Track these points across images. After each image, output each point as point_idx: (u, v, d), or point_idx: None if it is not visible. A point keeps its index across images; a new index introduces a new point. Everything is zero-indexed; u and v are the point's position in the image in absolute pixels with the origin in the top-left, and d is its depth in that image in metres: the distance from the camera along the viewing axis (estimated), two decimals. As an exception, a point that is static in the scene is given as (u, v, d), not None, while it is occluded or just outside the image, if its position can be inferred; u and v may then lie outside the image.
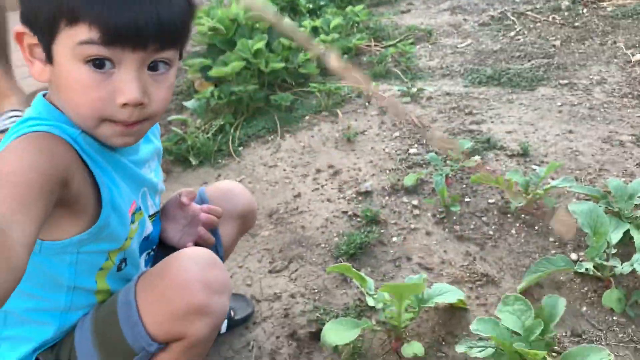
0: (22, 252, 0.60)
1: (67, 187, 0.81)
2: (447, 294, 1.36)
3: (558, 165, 1.76)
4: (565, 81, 2.72)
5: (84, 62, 0.80)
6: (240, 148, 2.66)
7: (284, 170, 2.38)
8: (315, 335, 1.45)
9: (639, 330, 1.32)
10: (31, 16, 0.83)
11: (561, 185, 1.65)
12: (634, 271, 1.33)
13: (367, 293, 1.37)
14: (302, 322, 1.53)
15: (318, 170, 2.32)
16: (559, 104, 2.50)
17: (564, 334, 1.34)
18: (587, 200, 1.66)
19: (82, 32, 0.78)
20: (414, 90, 2.84)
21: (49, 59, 0.83)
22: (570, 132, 2.25)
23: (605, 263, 1.37)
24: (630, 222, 1.51)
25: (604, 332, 1.33)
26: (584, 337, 1.32)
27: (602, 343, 1.29)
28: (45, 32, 0.81)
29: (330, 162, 2.36)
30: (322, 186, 2.19)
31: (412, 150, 2.33)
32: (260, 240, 1.93)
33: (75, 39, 0.79)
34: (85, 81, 0.81)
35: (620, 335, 1.31)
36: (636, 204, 1.56)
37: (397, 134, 2.51)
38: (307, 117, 2.84)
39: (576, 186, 1.64)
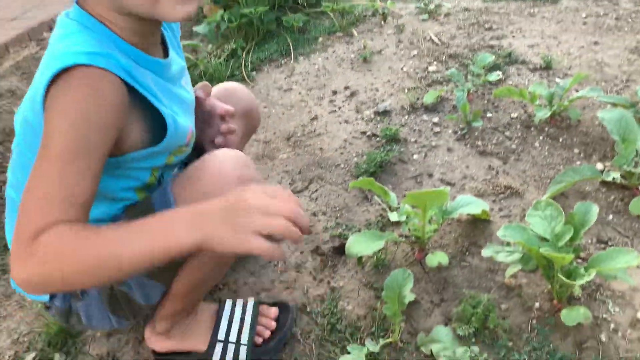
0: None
1: (124, 127, 0.83)
2: (470, 205, 1.36)
3: (584, 77, 1.71)
4: (590, -8, 2.60)
5: None
6: (254, 73, 2.60)
7: (299, 93, 2.34)
8: (338, 250, 1.47)
9: (668, 234, 1.31)
10: None
11: (588, 95, 1.60)
12: (663, 178, 1.31)
13: (390, 207, 1.37)
14: (325, 237, 1.54)
15: (334, 92, 2.27)
16: (584, 15, 2.40)
17: (589, 241, 1.34)
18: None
19: None
20: (432, 6, 2.73)
21: None
22: (596, 43, 2.16)
23: (633, 170, 1.34)
24: (659, 130, 1.47)
25: (631, 238, 1.33)
26: (610, 243, 1.32)
27: (628, 247, 1.29)
28: None
29: (347, 83, 2.31)
30: (339, 108, 2.16)
31: (431, 68, 2.27)
32: (279, 162, 1.92)
33: None
34: None
35: (646, 239, 1.31)
36: (666, 111, 1.52)
37: (415, 52, 2.44)
38: (320, 39, 2.76)
39: (603, 96, 1.59)
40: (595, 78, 1.94)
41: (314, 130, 2.05)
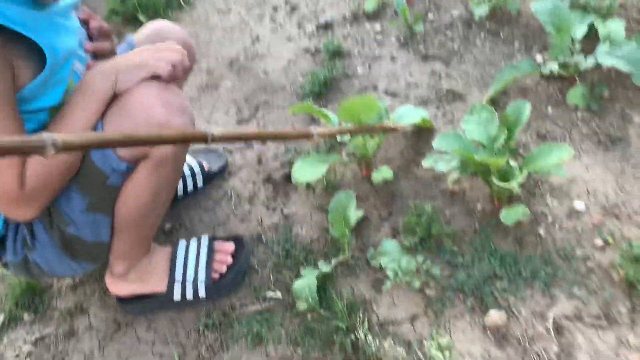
0: None
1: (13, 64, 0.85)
2: (409, 115, 1.35)
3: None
4: None
5: None
6: (190, -4, 2.47)
7: (239, 13, 2.23)
8: (289, 177, 1.47)
9: (602, 123, 1.33)
10: None
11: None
12: (598, 65, 1.30)
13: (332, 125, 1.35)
14: (276, 165, 1.54)
15: (275, 9, 2.17)
16: None
17: (529, 138, 1.35)
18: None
19: None
20: None
21: None
22: None
23: (569, 60, 1.33)
24: (595, 13, 1.44)
25: (569, 129, 1.34)
26: (548, 137, 1.34)
27: (567, 140, 1.31)
28: None
29: (287, -3, 2.21)
30: (281, 25, 2.07)
31: (370, -28, 2.16)
32: (224, 91, 1.87)
33: None
34: None
35: (584, 131, 1.33)
36: (603, -6, 1.48)
37: (354, -44, 2.31)
38: (256, -49, 2.59)
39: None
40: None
41: (257, 53, 1.98)
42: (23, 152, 0.52)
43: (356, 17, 1.95)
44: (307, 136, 1.08)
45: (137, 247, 1.18)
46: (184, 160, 1.10)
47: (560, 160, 1.06)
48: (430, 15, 1.84)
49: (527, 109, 1.15)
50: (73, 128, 0.92)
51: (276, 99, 1.77)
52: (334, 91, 1.70)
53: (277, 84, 1.82)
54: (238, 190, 1.51)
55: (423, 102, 1.55)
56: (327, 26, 1.96)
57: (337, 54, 1.81)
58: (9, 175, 0.86)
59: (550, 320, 1.01)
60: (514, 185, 1.06)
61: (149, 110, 0.95)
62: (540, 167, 1.08)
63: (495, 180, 1.08)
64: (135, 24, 2.38)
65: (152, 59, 0.99)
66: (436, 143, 1.17)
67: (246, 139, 0.97)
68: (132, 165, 0.99)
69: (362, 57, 1.79)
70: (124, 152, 0.96)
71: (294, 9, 2.13)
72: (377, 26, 1.87)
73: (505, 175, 1.13)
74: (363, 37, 1.86)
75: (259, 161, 1.58)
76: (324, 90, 1.70)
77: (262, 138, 1.03)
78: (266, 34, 2.06)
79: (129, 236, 1.13)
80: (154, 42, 1.14)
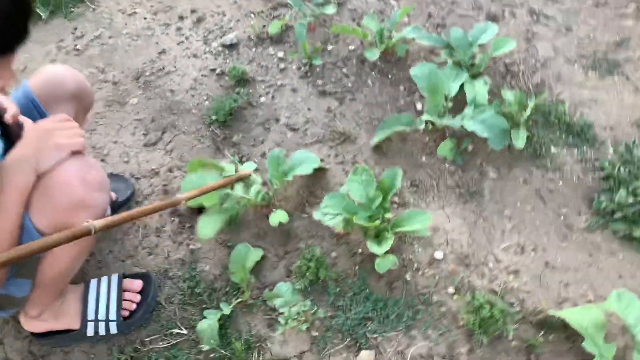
0: None
1: None
2: (304, 165, 1.50)
3: (409, 9, 1.81)
4: None
5: None
6: (93, -9, 2.41)
7: (144, 18, 2.24)
8: (195, 210, 1.59)
9: (464, 175, 1.56)
10: None
11: (410, 36, 1.72)
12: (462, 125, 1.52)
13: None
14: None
15: (181, 18, 2.20)
16: None
17: (405, 185, 1.56)
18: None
19: None
20: None
21: None
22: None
23: (439, 120, 1.54)
24: (468, 71, 1.65)
25: (437, 180, 1.57)
26: (420, 186, 1.56)
27: (434, 190, 1.54)
28: None
29: (193, 5, 2.23)
30: (187, 38, 2.11)
31: (276, -14, 2.23)
32: (131, 109, 1.92)
33: None
34: None
35: (449, 182, 1.56)
36: (475, 52, 1.69)
37: (259, -37, 2.36)
38: (161, -56, 2.55)
39: (423, 36, 1.71)
40: (425, 1, 2.03)
41: (163, 68, 2.02)
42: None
43: (261, 39, 2.03)
44: (176, 204, 1.24)
45: (52, 296, 1.28)
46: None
47: (421, 226, 1.28)
48: (329, 45, 1.97)
49: (399, 176, 1.35)
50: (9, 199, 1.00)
51: (182, 122, 1.85)
52: (238, 120, 1.81)
53: (183, 105, 1.89)
54: (145, 221, 1.61)
55: (318, 141, 1.71)
56: (232, 46, 2.04)
57: (241, 80, 1.90)
58: None
59: (408, 358, 1.26)
60: (383, 250, 1.26)
61: (70, 191, 1.04)
62: (406, 230, 1.30)
63: (369, 244, 1.28)
64: (34, 18, 2.30)
65: (64, 137, 1.06)
66: (324, 202, 1.35)
67: (124, 222, 1.09)
68: None
69: (265, 84, 1.90)
70: (45, 226, 1.04)
71: (200, 20, 2.17)
72: (281, 53, 1.98)
73: (379, 233, 1.33)
74: (267, 63, 1.96)
75: (165, 191, 1.68)
76: (228, 119, 1.80)
77: (140, 216, 1.14)
78: (172, 46, 2.10)
79: (47, 290, 1.24)
80: (51, 91, 1.22)
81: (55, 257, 1.14)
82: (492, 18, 1.92)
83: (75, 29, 2.25)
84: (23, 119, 1.16)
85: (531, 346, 1.24)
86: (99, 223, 0.98)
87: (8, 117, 1.11)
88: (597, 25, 1.85)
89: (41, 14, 2.34)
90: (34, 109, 1.26)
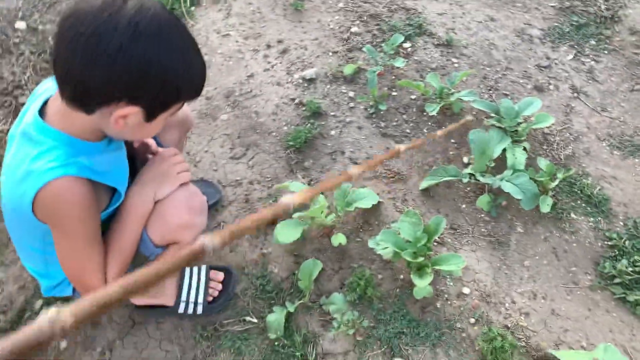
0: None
1: (98, 203, 1.18)
2: (365, 199, 1.82)
3: (469, 74, 2.10)
4: (502, -50, 2.82)
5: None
6: (192, 8, 2.75)
7: (237, 41, 2.57)
8: (270, 220, 1.92)
9: (496, 226, 1.86)
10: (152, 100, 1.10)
11: (466, 98, 2.01)
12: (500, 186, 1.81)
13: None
14: (259, 207, 1.98)
15: (268, 46, 2.52)
16: (489, -19, 2.67)
17: (446, 226, 1.87)
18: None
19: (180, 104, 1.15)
20: (361, -52, 2.86)
21: (150, 119, 1.13)
22: (492, 19, 2.50)
23: (482, 177, 1.84)
24: (511, 137, 1.94)
25: (473, 227, 1.87)
26: (457, 230, 1.86)
27: (469, 235, 1.84)
28: (158, 107, 1.11)
29: (279, 35, 2.55)
30: (273, 66, 2.44)
31: (354, 29, 2.54)
32: (221, 123, 2.26)
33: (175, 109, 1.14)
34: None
35: (482, 230, 1.86)
36: (518, 121, 1.97)
37: (341, 4, 2.67)
38: (256, -28, 2.87)
39: (477, 101, 2.00)
40: (483, 62, 2.32)
41: (251, 91, 2.36)
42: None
43: (335, 78, 2.35)
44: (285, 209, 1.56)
45: (159, 281, 1.64)
46: None
47: (456, 268, 1.59)
48: (394, 92, 2.27)
49: (443, 223, 1.66)
50: (126, 240, 1.32)
51: (264, 141, 2.18)
52: (310, 148, 2.14)
53: (265, 127, 2.22)
54: (228, 222, 1.95)
55: (375, 177, 2.02)
56: (311, 80, 2.36)
57: (316, 112, 2.22)
58: (94, 279, 1.24)
59: (431, 370, 1.58)
60: (424, 284, 1.58)
61: (180, 215, 1.35)
62: (443, 269, 1.61)
63: (412, 276, 1.60)
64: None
65: (174, 172, 1.37)
66: (378, 237, 1.67)
67: (240, 235, 1.42)
68: (164, 247, 1.42)
69: (336, 119, 2.22)
70: (160, 241, 1.38)
71: (285, 51, 2.50)
72: (351, 92, 2.29)
73: (420, 267, 1.65)
74: (339, 100, 2.28)
75: (246, 200, 2.02)
76: (303, 146, 2.13)
77: (255, 225, 1.48)
78: (259, 71, 2.43)
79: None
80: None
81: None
82: (539, 89, 2.20)
83: (176, 42, 2.59)
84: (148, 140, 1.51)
85: (530, 376, 1.55)
86: (216, 241, 1.31)
87: (136, 144, 1.45)
88: (628, 109, 2.12)
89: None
90: None
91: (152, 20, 1.03)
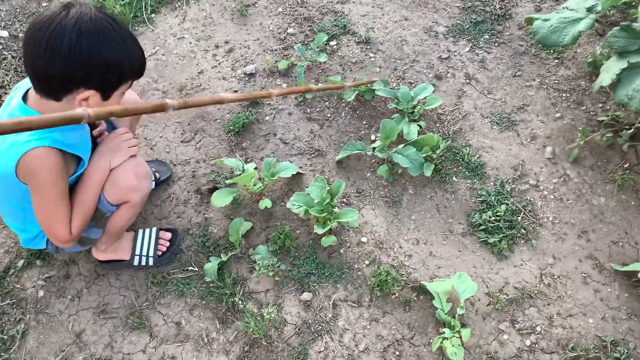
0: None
1: (67, 169, 1.56)
2: (286, 170, 2.19)
3: (380, 64, 2.46)
4: (420, -42, 3.18)
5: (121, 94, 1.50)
6: (153, 15, 3.10)
7: (190, 43, 2.92)
8: (211, 191, 2.29)
9: (392, 189, 2.24)
10: (103, 84, 1.43)
11: (376, 88, 2.39)
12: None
13: (238, 170, 2.18)
14: (204, 181, 2.35)
15: (216, 46, 2.88)
16: (407, -14, 3.04)
17: (353, 191, 2.25)
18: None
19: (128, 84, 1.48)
20: (299, -42, 3.22)
21: (106, 98, 1.47)
22: (406, 19, 2.86)
23: (380, 152, 2.21)
24: (408, 117, 2.32)
25: (374, 190, 2.24)
26: (362, 193, 2.24)
27: (371, 197, 2.22)
28: (109, 88, 1.44)
29: (227, 37, 2.91)
30: (220, 64, 2.80)
31: (290, 30, 2.90)
32: (174, 113, 2.61)
33: (124, 87, 1.49)
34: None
35: (381, 193, 2.23)
36: (414, 104, 2.35)
37: (280, 9, 3.02)
38: (208, -18, 3.22)
39: (382, 90, 2.38)
40: (395, 55, 2.69)
41: (200, 85, 2.71)
42: (66, 123, 0.86)
43: (272, 72, 2.71)
44: (162, 109, 1.93)
45: (115, 239, 2.00)
46: (144, 202, 1.89)
47: (352, 219, 1.97)
48: (319, 84, 2.64)
49: (342, 186, 2.04)
50: (87, 200, 1.67)
51: (209, 127, 2.54)
52: (248, 131, 2.50)
53: (212, 116, 2.58)
54: (177, 195, 2.32)
55: (300, 153, 2.40)
56: (251, 74, 2.72)
57: (254, 102, 2.59)
58: (62, 229, 1.60)
59: (332, 300, 1.96)
60: (323, 231, 1.95)
61: (128, 180, 1.72)
62: (341, 221, 1.99)
63: (315, 227, 1.98)
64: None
65: (125, 147, 1.73)
66: (292, 199, 2.04)
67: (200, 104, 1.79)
68: (117, 206, 1.79)
69: (270, 107, 2.58)
70: (113, 200, 1.75)
71: (230, 50, 2.85)
72: (285, 84, 2.66)
73: (324, 221, 2.02)
74: (273, 91, 2.64)
75: (193, 175, 2.38)
76: (241, 130, 2.50)
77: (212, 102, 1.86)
78: (208, 68, 2.78)
79: (112, 235, 1.95)
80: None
81: (119, 215, 1.84)
82: (438, 77, 2.58)
83: (138, 45, 2.95)
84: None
85: (407, 301, 1.93)
86: (175, 103, 1.69)
87: (95, 132, 1.82)
88: (509, 92, 2.50)
89: (114, 30, 3.03)
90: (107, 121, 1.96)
91: (90, 22, 1.37)
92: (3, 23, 3.14)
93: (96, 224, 1.80)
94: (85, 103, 1.45)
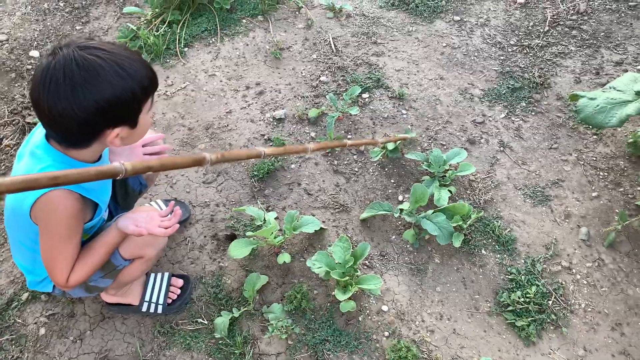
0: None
1: (84, 214, 1.48)
2: (309, 225, 2.11)
3: (411, 136, 2.41)
4: (458, 17, 3.17)
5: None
6: (186, 49, 3.08)
7: (221, 81, 2.89)
8: (229, 238, 2.21)
9: (418, 256, 2.15)
10: (123, 117, 1.34)
11: (406, 152, 2.32)
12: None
13: (260, 220, 2.10)
14: (222, 226, 2.27)
15: (247, 87, 2.84)
16: (444, 44, 3.01)
17: (376, 253, 2.16)
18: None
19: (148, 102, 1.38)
20: (338, 6, 3.22)
21: (134, 125, 1.38)
22: (442, 78, 2.82)
23: (408, 216, 2.13)
24: (439, 181, 2.24)
25: (398, 255, 2.15)
26: (386, 257, 2.14)
27: (395, 262, 2.13)
28: (132, 117, 1.36)
29: (258, 78, 2.88)
30: (249, 105, 2.76)
31: (322, 78, 2.86)
32: (198, 152, 2.56)
33: (147, 106, 1.39)
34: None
35: (405, 258, 2.14)
36: (446, 168, 2.28)
37: (314, 55, 3.00)
38: (244, 21, 3.22)
39: (412, 153, 2.31)
40: (428, 114, 2.64)
41: (227, 125, 2.67)
42: (104, 177, 0.87)
43: (301, 119, 2.66)
44: (200, 163, 1.82)
45: (125, 286, 1.92)
46: (160, 256, 1.81)
47: (375, 287, 1.87)
48: (349, 135, 2.58)
49: (367, 249, 1.95)
50: (95, 257, 1.56)
51: (233, 170, 2.48)
52: (272, 178, 2.44)
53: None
54: (193, 239, 2.24)
55: (324, 207, 2.32)
56: (280, 119, 2.67)
57: (280, 148, 2.53)
58: (60, 271, 1.49)
59: (346, 372, 1.84)
60: (344, 297, 1.86)
61: (144, 237, 1.60)
62: (363, 288, 1.89)
63: (336, 291, 1.88)
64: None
65: (155, 226, 1.56)
66: (313, 257, 1.95)
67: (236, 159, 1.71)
68: (131, 261, 1.71)
69: (297, 156, 2.52)
70: (127, 255, 1.67)
71: (261, 93, 2.81)
72: (313, 133, 2.60)
73: (346, 285, 1.93)
74: (302, 139, 2.58)
75: (212, 219, 2.31)
76: (265, 177, 2.43)
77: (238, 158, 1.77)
78: (237, 108, 2.74)
79: (123, 285, 1.86)
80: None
81: (132, 269, 1.76)
82: (471, 141, 2.51)
83: (168, 77, 2.92)
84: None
85: (427, 382, 1.81)
86: (214, 157, 1.58)
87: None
88: (545, 164, 2.42)
89: (145, 58, 3.02)
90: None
91: (78, 69, 1.23)
92: (35, 43, 3.14)
93: (106, 275, 1.72)
94: (117, 139, 1.39)
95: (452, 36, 3.06)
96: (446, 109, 2.67)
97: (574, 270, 2.08)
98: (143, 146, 1.78)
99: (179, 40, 3.11)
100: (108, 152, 1.67)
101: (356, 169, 2.46)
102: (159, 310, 1.99)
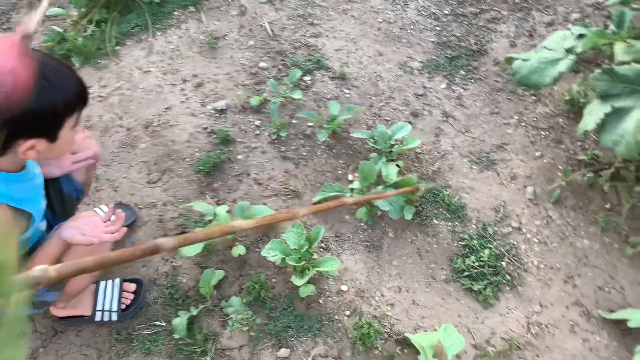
0: None
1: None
2: (262, 211, 2.08)
3: (358, 110, 2.40)
4: (392, -8, 3.18)
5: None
6: (117, 48, 2.97)
7: (156, 77, 2.80)
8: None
9: (372, 233, 2.15)
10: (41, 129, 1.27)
11: (351, 128, 2.31)
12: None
13: (210, 215, 2.06)
14: (171, 226, 2.22)
15: (184, 80, 2.77)
16: (380, 20, 3.01)
17: (331, 235, 2.15)
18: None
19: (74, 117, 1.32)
20: (270, -10, 3.17)
21: (54, 140, 1.31)
22: (381, 54, 2.82)
23: (359, 193, 2.13)
24: (386, 157, 2.25)
25: (353, 234, 2.15)
26: (341, 237, 2.14)
27: (350, 241, 2.13)
28: (52, 130, 1.29)
29: (195, 71, 2.80)
30: (188, 99, 2.69)
31: (261, 64, 2.81)
32: (139, 152, 2.48)
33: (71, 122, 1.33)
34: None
35: (361, 237, 2.14)
36: (392, 143, 2.28)
37: (251, 42, 2.94)
38: (175, 13, 3.12)
39: (358, 132, 2.31)
40: (370, 92, 2.64)
41: (168, 122, 2.59)
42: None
43: (244, 108, 2.61)
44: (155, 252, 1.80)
45: (74, 297, 1.84)
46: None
47: (332, 268, 1.87)
48: (294, 120, 2.56)
49: (321, 232, 1.94)
50: (45, 262, 1.51)
51: (178, 167, 2.42)
52: (219, 171, 2.39)
53: (180, 154, 2.46)
54: (142, 241, 2.18)
55: (275, 195, 2.29)
56: (222, 110, 2.62)
57: (225, 140, 2.48)
58: None
59: (311, 356, 1.84)
60: (301, 282, 1.84)
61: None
62: (321, 270, 1.88)
63: (293, 277, 1.86)
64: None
65: (100, 232, 1.53)
66: (268, 246, 1.93)
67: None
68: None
69: (243, 145, 2.48)
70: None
71: (199, 85, 2.75)
72: (257, 121, 2.56)
73: (303, 269, 1.91)
74: (246, 128, 2.54)
75: (160, 220, 2.24)
76: (212, 170, 2.38)
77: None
78: (176, 103, 2.67)
79: (71, 297, 1.79)
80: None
81: (77, 280, 1.69)
82: (415, 114, 2.53)
83: (101, 78, 2.82)
84: None
85: (391, 356, 1.83)
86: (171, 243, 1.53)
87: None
88: (488, 130, 2.47)
89: (75, 63, 2.90)
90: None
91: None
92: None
93: (52, 289, 1.65)
94: (32, 152, 1.32)
95: (387, 11, 3.06)
96: (387, 85, 2.68)
97: (524, 230, 2.14)
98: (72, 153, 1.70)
99: (109, 39, 3.00)
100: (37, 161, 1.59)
101: (304, 153, 2.44)
102: (114, 317, 1.93)
